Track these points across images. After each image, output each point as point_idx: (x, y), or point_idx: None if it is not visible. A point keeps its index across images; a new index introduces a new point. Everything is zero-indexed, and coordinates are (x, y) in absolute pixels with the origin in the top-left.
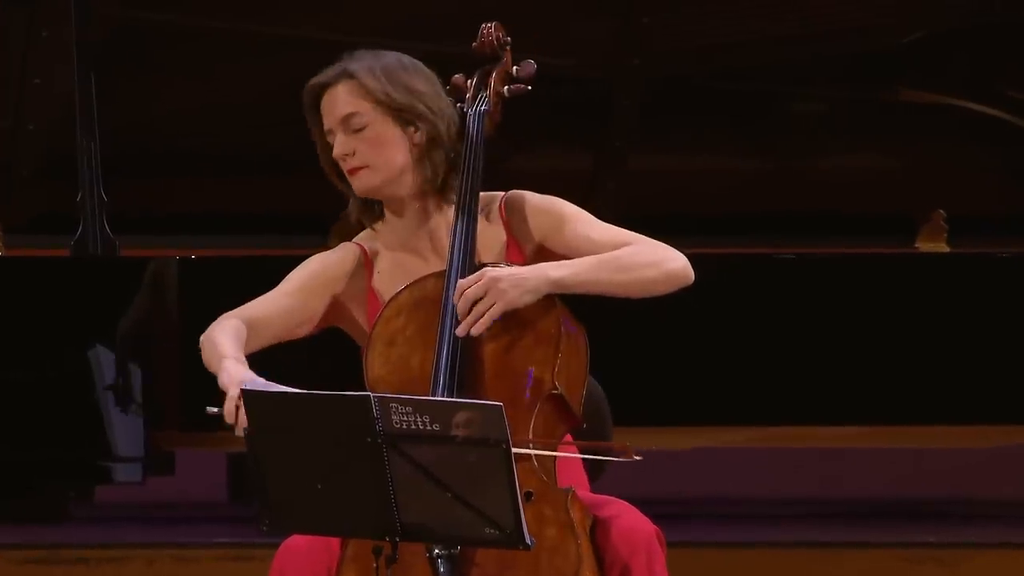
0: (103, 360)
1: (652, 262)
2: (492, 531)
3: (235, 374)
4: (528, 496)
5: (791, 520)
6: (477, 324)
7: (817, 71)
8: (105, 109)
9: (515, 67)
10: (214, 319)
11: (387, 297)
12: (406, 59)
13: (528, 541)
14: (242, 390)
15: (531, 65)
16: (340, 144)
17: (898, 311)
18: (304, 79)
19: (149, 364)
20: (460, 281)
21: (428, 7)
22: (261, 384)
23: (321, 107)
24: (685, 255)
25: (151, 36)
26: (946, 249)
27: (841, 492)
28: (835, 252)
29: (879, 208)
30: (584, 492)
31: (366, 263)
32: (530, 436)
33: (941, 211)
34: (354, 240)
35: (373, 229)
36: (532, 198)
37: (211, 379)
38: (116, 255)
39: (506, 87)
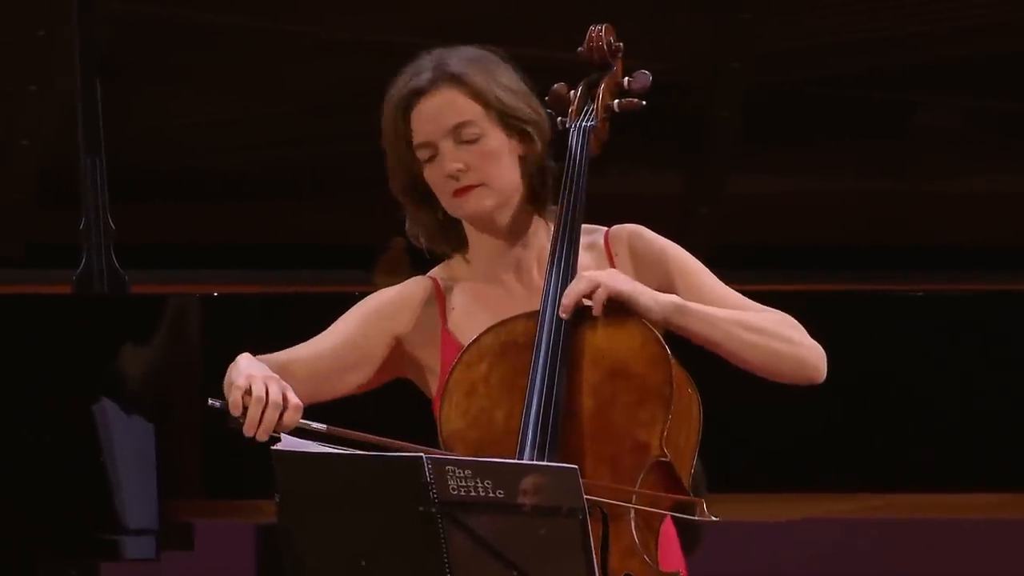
0: (110, 416)
1: (788, 338)
2: None
3: (246, 366)
4: None
5: None
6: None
7: (951, 77)
8: (113, 122)
9: (627, 78)
10: None
11: (466, 338)
12: (489, 51)
13: None
14: (272, 450)
15: (646, 76)
16: (452, 158)
17: None
18: (349, 86)
19: (164, 421)
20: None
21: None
22: (293, 443)
23: (413, 117)
24: (791, 291)
25: (168, 36)
26: None
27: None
28: (970, 289)
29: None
30: None
31: (438, 299)
32: (632, 510)
33: None
34: (428, 274)
35: (450, 258)
36: (647, 235)
37: (238, 439)
38: (125, 292)
39: (616, 101)
